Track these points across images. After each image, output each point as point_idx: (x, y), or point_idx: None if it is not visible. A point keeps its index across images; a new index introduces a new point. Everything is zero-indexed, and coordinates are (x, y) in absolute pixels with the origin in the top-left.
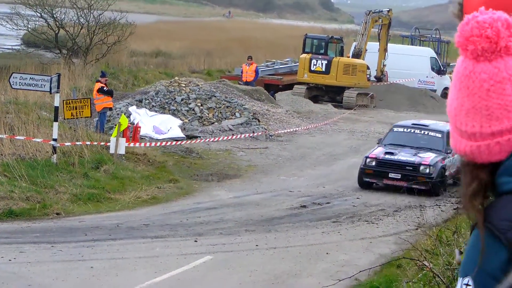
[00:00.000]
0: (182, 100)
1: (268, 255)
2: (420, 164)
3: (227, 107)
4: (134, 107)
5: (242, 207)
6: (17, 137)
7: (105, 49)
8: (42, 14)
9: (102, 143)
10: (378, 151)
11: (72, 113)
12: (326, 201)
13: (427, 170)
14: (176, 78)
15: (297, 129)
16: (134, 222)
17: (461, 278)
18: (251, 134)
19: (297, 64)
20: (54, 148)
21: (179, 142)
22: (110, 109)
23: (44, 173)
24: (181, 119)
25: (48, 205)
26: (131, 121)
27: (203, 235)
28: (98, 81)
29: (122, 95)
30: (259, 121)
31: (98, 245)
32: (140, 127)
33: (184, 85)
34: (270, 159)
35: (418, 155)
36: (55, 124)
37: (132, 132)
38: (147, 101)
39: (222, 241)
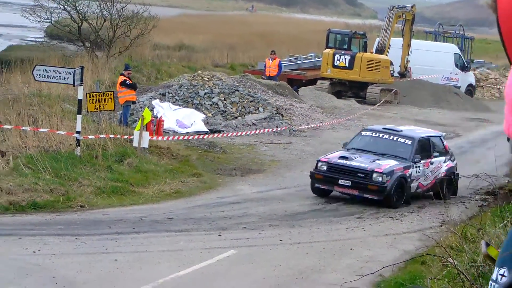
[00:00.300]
0: (205, 94)
1: (292, 250)
2: (373, 172)
3: (251, 101)
4: (158, 100)
5: (265, 202)
6: (41, 130)
7: (128, 42)
8: (65, 6)
9: (126, 137)
10: (334, 155)
11: (95, 106)
12: (349, 197)
13: (380, 179)
14: (199, 72)
15: (320, 124)
16: (158, 215)
17: (497, 268)
18: (274, 129)
19: (320, 59)
20: (77, 140)
21: (201, 136)
22: (133, 102)
23: (67, 165)
24: (204, 113)
25: (72, 198)
26: (155, 114)
27: (227, 229)
28: (121, 74)
29: (145, 88)
30: (282, 116)
31: (122, 238)
32: (163, 121)
33: (207, 79)
34: (294, 154)
35: (377, 161)
36: (79, 117)
37: (156, 126)
38: (170, 94)
39: (246, 236)
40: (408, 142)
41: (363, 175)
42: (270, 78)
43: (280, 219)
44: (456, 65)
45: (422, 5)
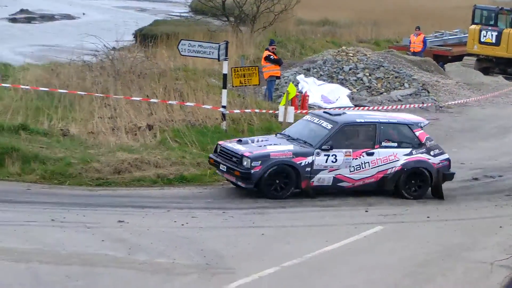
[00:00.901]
0: (350, 69)
1: (440, 227)
2: (243, 156)
3: (396, 77)
4: (302, 75)
5: None
6: (187, 104)
7: (272, 17)
8: None
9: (271, 111)
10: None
11: (240, 80)
12: (498, 174)
13: (245, 164)
14: (344, 47)
15: (467, 100)
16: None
17: None
18: (420, 105)
19: (466, 35)
20: (223, 115)
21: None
22: (278, 77)
23: (214, 139)
24: (349, 89)
25: None
26: (299, 89)
27: (373, 205)
28: (266, 49)
29: (289, 63)
30: (428, 92)
31: (269, 212)
32: (308, 96)
33: (351, 55)
34: (441, 130)
35: (264, 146)
36: (224, 91)
37: (301, 101)
38: (315, 70)
39: (393, 212)
40: (329, 126)
41: (235, 160)
42: (414, 54)
43: (427, 195)
44: None
45: None
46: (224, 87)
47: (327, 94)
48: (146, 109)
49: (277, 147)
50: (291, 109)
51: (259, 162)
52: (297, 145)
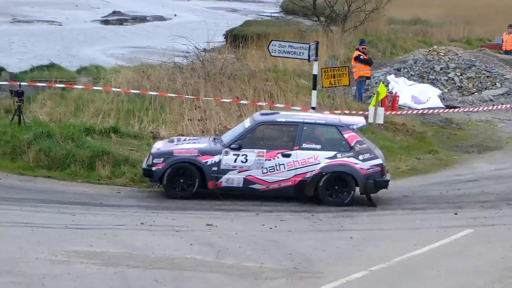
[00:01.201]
0: (441, 69)
1: None
2: (149, 153)
3: (487, 77)
4: (393, 76)
5: (504, 180)
6: (277, 105)
7: (362, 16)
8: None
9: (360, 112)
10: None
11: (330, 81)
12: None
13: (148, 160)
14: (435, 46)
15: None
16: (394, 193)
17: None
18: None
19: None
20: None
21: (436, 111)
22: (368, 78)
23: None
24: (440, 89)
25: None
26: (390, 90)
27: (463, 208)
28: (356, 49)
29: (380, 63)
30: None
31: (357, 215)
32: (398, 97)
33: (442, 54)
34: None
35: (182, 144)
36: (314, 92)
37: (391, 102)
38: (405, 70)
39: (483, 215)
40: (247, 125)
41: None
42: (507, 52)
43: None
44: None
45: None
46: (314, 88)
47: (418, 95)
48: (236, 111)
49: (185, 145)
50: (381, 110)
51: (162, 159)
52: (211, 144)
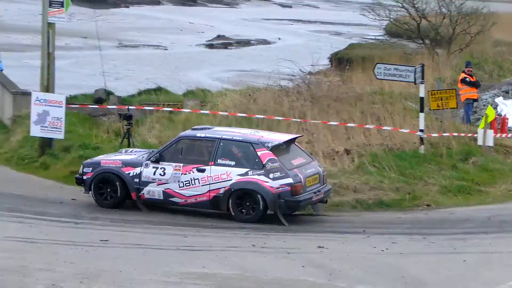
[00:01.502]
0: None
1: None
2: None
3: None
4: (501, 98)
5: None
6: (384, 128)
7: (468, 39)
8: (404, 4)
9: (469, 135)
10: None
11: (437, 103)
12: None
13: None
14: None
15: None
16: (506, 215)
17: None
18: None
19: None
20: (421, 139)
21: None
22: (475, 100)
23: (412, 164)
24: None
25: (418, 197)
26: (498, 112)
27: None
28: (463, 71)
29: (487, 85)
30: None
31: (470, 238)
32: (507, 119)
33: None
34: None
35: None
36: (421, 115)
37: (500, 124)
38: None
39: None
40: (172, 139)
41: None
42: None
43: None
44: None
45: None
46: (421, 110)
47: None
48: (343, 134)
49: (112, 156)
50: (490, 133)
51: (90, 168)
52: (140, 156)
